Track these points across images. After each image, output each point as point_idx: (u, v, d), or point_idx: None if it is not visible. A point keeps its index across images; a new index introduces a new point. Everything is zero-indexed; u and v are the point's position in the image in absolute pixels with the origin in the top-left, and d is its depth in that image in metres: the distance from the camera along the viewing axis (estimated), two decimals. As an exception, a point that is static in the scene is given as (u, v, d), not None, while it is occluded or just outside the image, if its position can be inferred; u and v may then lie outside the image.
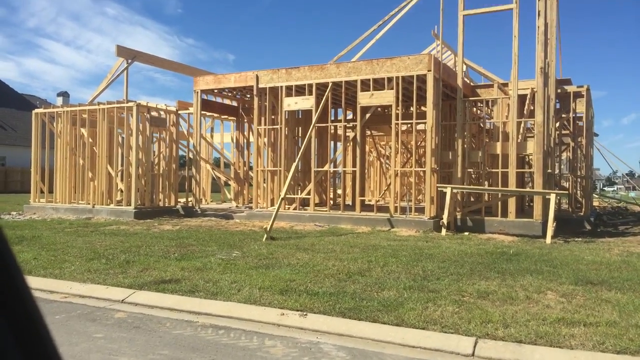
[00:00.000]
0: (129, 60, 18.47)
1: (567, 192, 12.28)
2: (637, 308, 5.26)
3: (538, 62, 12.58)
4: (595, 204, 27.99)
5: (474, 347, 4.20)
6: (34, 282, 6.51)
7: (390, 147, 18.99)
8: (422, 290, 6.05)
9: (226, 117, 20.00)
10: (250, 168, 18.30)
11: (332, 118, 16.82)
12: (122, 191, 16.34)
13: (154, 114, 16.60)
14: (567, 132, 16.72)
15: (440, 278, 6.74)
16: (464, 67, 21.16)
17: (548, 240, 11.13)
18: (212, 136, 22.09)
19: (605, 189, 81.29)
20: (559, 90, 15.63)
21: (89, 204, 16.35)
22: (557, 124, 16.14)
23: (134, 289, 6.09)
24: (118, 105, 16.02)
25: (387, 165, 24.09)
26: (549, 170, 13.93)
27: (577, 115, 16.32)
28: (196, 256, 8.34)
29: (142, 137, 16.07)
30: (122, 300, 5.76)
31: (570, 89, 15.61)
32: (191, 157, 17.37)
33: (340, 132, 17.08)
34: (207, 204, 21.00)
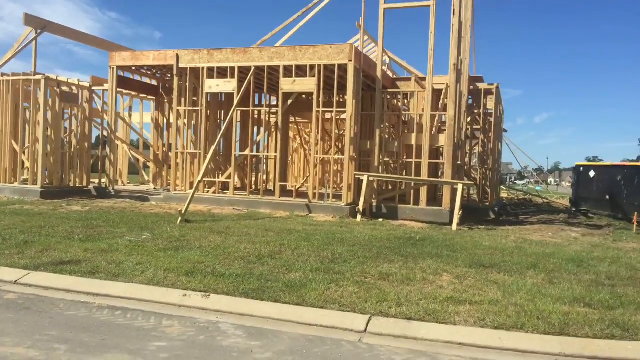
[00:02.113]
0: (38, 30, 17.27)
1: (473, 183, 13.06)
2: (519, 288, 5.75)
3: (451, 59, 13.19)
4: (504, 195, 29.93)
5: (367, 324, 4.43)
6: None
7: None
8: (327, 272, 6.24)
9: (145, 96, 19.29)
10: (170, 150, 17.80)
11: (256, 103, 16.74)
12: (28, 170, 15.35)
13: (65, 88, 15.66)
14: (478, 127, 17.71)
15: (347, 261, 6.98)
16: (387, 59, 21.82)
17: (454, 227, 11.80)
18: (130, 115, 21.22)
19: (517, 182, 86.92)
20: (471, 87, 16.48)
21: (-11, 182, 15.21)
22: (469, 119, 17.05)
23: (29, 270, 5.80)
24: (25, 77, 14.96)
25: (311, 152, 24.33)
26: (459, 162, 14.72)
27: (488, 111, 17.31)
28: (103, 238, 8.05)
29: (52, 112, 15.13)
30: (15, 281, 5.47)
31: (482, 86, 16.50)
32: (105, 135, 16.59)
33: (263, 117, 17.04)
34: (124, 185, 20.21)
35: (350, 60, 13.18)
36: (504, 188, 32.24)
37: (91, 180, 16.86)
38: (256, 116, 17.10)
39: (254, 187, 16.01)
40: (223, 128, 13.65)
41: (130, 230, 8.98)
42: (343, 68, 13.47)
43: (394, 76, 19.56)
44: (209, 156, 12.87)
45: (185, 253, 7.06)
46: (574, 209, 19.11)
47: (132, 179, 22.72)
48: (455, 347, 4.11)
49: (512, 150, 30.72)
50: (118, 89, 16.55)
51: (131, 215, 11.36)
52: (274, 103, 18.60)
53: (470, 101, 17.64)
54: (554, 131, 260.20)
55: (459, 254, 7.85)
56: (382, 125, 13.94)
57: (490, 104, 16.62)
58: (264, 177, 20.25)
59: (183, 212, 10.57)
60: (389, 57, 21.36)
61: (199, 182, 12.36)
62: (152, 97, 19.27)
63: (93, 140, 19.89)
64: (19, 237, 7.76)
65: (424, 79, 16.14)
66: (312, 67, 13.55)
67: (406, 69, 20.21)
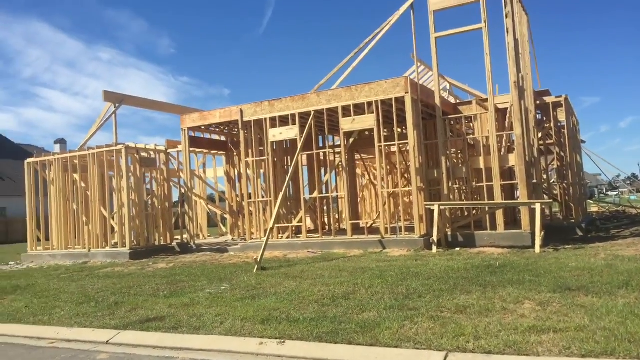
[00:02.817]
0: (117, 105, 18.84)
1: (552, 200, 12.42)
2: (609, 311, 5.36)
3: (511, 77, 12.87)
4: (594, 209, 28.09)
5: (444, 361, 4.30)
6: (22, 330, 6.61)
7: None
8: (402, 309, 6.14)
9: (216, 152, 20.28)
10: (243, 200, 18.45)
11: (320, 145, 17.09)
12: (117, 233, 16.48)
13: (143, 154, 16.87)
14: (552, 141, 16.95)
15: (422, 295, 6.84)
16: (448, 85, 21.61)
17: (537, 249, 11.21)
18: (204, 171, 22.36)
19: (608, 193, 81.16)
20: (538, 102, 15.92)
21: (84, 248, 16.49)
22: (540, 134, 16.39)
23: (119, 330, 6.19)
24: (108, 149, 16.30)
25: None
26: (535, 181, 14.10)
27: (561, 124, 16.58)
28: (185, 292, 8.44)
29: (134, 178, 16.30)
30: (107, 341, 5.86)
31: (549, 99, 15.90)
32: (183, 193, 17.55)
33: (328, 158, 17.33)
34: (205, 239, 21.11)
35: (407, 92, 13.23)
36: (592, 202, 30.25)
37: (175, 237, 17.80)
38: (321, 158, 17.43)
39: (326, 227, 16.17)
40: (289, 173, 14.01)
41: (210, 282, 9.34)
42: (401, 101, 13.52)
43: (457, 101, 19.32)
44: (278, 202, 13.23)
45: (261, 301, 7.23)
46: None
47: (211, 231, 23.69)
48: (539, 380, 3.88)
49: (594, 161, 28.95)
50: (191, 149, 17.60)
51: (211, 267, 11.82)
52: (338, 143, 18.91)
53: (539, 116, 17.02)
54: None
55: (542, 279, 7.45)
56: (447, 152, 13.72)
57: (561, 116, 15.93)
58: (336, 216, 20.40)
59: (258, 260, 10.86)
60: (448, 82, 21.20)
61: (271, 228, 12.69)
62: (222, 152, 20.24)
63: (175, 199, 21.12)
64: (110, 298, 8.32)
65: (486, 100, 15.83)
66: (369, 104, 13.73)
67: (469, 92, 19.91)
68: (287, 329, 5.56)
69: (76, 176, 17.10)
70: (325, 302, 6.85)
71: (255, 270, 10.52)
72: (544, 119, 16.65)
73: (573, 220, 15.42)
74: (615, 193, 70.40)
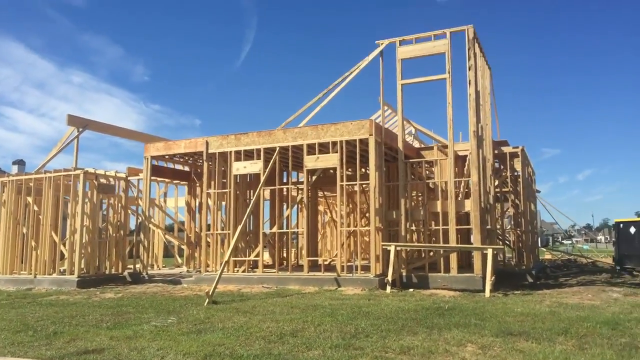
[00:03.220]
0: (80, 129, 18.56)
1: (503, 247, 12.75)
2: (546, 356, 5.49)
3: (471, 127, 13.37)
4: (548, 257, 28.85)
5: (380, 402, 4.30)
6: (-51, 358, 6.25)
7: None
8: (347, 348, 6.13)
9: (178, 181, 20.09)
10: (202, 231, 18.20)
11: (284, 181, 17.16)
12: (66, 260, 15.92)
13: (102, 180, 16.54)
14: (508, 189, 17.53)
15: (370, 335, 6.85)
16: (413, 130, 22.21)
17: (487, 294, 11.43)
18: (165, 201, 22.05)
19: (564, 242, 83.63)
20: (496, 151, 16.53)
21: (30, 274, 15.83)
22: (496, 182, 16.94)
23: (54, 361, 5.93)
24: (65, 173, 15.93)
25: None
26: (489, 227, 14.48)
27: (517, 173, 17.19)
28: (130, 324, 8.18)
29: (90, 204, 15.91)
30: (39, 372, 5.60)
31: (507, 149, 16.53)
32: (140, 222, 17.19)
33: (293, 193, 17.38)
34: (159, 269, 20.61)
35: (371, 135, 13.54)
36: (545, 249, 31.09)
37: (129, 266, 17.29)
38: (284, 193, 17.49)
39: (284, 263, 16.07)
40: (249, 208, 13.97)
41: (158, 315, 9.09)
42: (365, 142, 13.81)
43: (421, 145, 19.86)
44: (236, 235, 13.13)
45: (207, 335, 7.08)
46: (618, 268, 18.27)
47: (167, 261, 23.14)
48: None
49: (549, 211, 29.95)
50: (153, 177, 17.40)
51: (161, 299, 11.53)
52: (302, 180, 19.02)
53: (498, 164, 17.63)
54: (599, 187, 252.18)
55: (487, 322, 7.59)
56: (406, 194, 13.99)
57: (517, 166, 16.55)
58: (297, 252, 20.30)
59: (210, 293, 10.67)
60: (414, 127, 21.81)
61: (226, 262, 12.54)
62: (184, 183, 20.06)
63: (133, 227, 20.63)
64: (49, 328, 7.98)
65: (447, 146, 16.33)
66: (334, 143, 13.97)
67: (432, 137, 20.51)
68: (228, 365, 5.45)
69: (29, 199, 16.58)
70: (272, 339, 6.77)
71: (206, 304, 10.32)
72: (502, 167, 17.25)
73: (524, 267, 15.80)
74: (569, 242, 72.63)
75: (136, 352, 6.15)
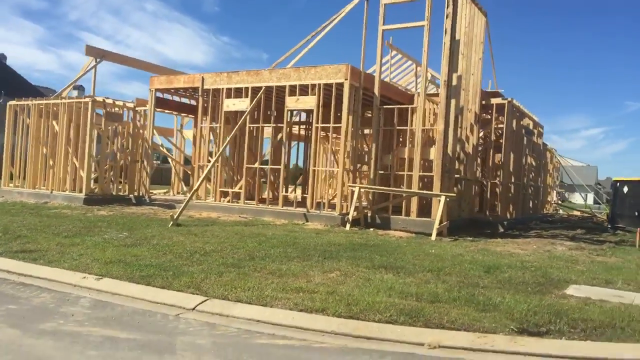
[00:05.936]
0: (98, 60, 19.92)
1: (454, 195, 13.21)
2: (383, 282, 6.34)
3: (442, 76, 13.57)
4: (576, 213, 28.70)
5: (199, 304, 5.35)
6: None
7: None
8: (235, 266, 7.17)
9: (186, 114, 21.29)
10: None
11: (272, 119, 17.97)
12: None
13: (115, 109, 17.98)
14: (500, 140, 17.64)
15: (264, 259, 7.86)
16: (430, 76, 22.18)
17: (433, 237, 12.11)
18: (181, 133, 23.44)
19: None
20: (484, 102, 16.59)
21: (48, 189, 17.82)
22: (482, 133, 17.11)
23: (-6, 255, 7.36)
24: (77, 100, 17.44)
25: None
26: (462, 175, 14.93)
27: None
28: (87, 235, 9.57)
29: (98, 130, 17.45)
30: (-23, 262, 7.02)
31: (494, 101, 16.55)
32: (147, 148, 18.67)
33: (271, 132, 18.22)
34: (174, 195, 22.32)
35: (346, 79, 14.02)
36: (554, 203, 30.77)
37: (150, 191, 18.89)
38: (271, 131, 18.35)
39: (265, 196, 17.25)
40: (227, 141, 15.02)
41: (119, 231, 10.47)
42: (341, 86, 14.32)
43: (438, 91, 19.92)
44: (209, 167, 14.31)
45: (134, 249, 8.33)
46: (609, 226, 18.30)
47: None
48: (245, 322, 4.92)
49: (564, 167, 29.40)
50: (159, 109, 18.68)
51: (139, 219, 12.98)
52: (295, 120, 19.81)
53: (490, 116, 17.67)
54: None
55: (384, 258, 8.39)
56: (378, 139, 14.56)
57: (503, 118, 16.60)
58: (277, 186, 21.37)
59: (175, 217, 11.98)
60: (431, 74, 21.77)
61: (195, 190, 13.85)
62: (191, 115, 21.26)
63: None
64: (20, 232, 9.51)
65: (434, 95, 16.56)
66: (313, 86, 14.57)
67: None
68: (117, 270, 6.64)
69: (54, 122, 18.31)
70: (183, 255, 7.91)
71: (170, 225, 11.65)
72: (492, 119, 17.32)
73: (498, 217, 16.25)
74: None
75: (60, 255, 7.47)
